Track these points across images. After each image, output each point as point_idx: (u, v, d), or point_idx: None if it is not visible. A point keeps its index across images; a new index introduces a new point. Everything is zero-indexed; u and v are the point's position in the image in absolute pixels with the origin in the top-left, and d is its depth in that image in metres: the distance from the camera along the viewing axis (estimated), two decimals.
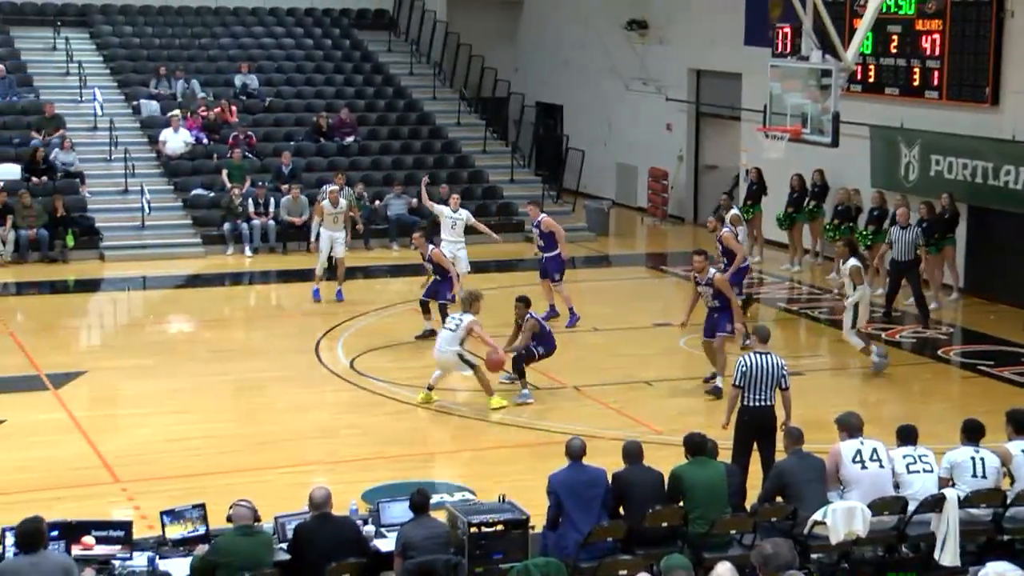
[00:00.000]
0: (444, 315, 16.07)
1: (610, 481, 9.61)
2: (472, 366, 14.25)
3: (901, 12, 20.50)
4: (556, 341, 15.07)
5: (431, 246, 17.01)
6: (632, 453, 9.78)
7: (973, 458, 10.02)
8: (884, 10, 19.15)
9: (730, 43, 24.49)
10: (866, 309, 15.99)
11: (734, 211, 19.42)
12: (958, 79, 19.81)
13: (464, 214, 18.76)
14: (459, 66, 29.45)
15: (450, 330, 14.25)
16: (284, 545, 9.06)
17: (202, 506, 9.34)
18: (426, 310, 17.06)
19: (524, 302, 15.00)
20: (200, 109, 25.68)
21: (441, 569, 8.79)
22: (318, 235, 19.66)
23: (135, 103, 26.29)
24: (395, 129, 27.17)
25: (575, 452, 9.61)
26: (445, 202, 19.34)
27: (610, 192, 28.34)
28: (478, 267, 20.58)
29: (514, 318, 15.07)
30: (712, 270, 15.10)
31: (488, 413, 14.24)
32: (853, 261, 15.81)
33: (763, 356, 11.42)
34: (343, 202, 19.75)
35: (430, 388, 14.41)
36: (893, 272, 18.56)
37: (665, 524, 9.47)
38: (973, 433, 10.19)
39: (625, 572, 8.87)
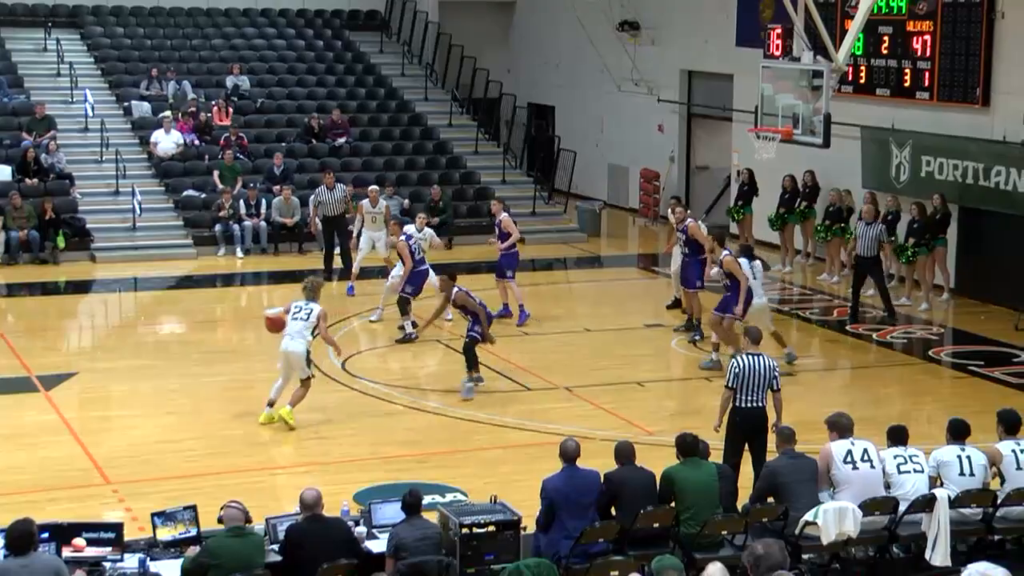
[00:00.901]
0: (404, 310, 17.00)
1: (603, 481, 9.62)
2: (309, 376, 13.63)
3: (892, 13, 20.54)
4: (489, 311, 15.25)
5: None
6: (624, 453, 9.79)
7: (959, 456, 10.06)
8: (875, 11, 19.18)
9: (722, 44, 24.52)
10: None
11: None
12: (949, 80, 19.86)
13: (428, 233, 18.64)
14: (451, 67, 29.45)
15: (302, 319, 13.54)
16: (275, 546, 9.06)
17: (193, 507, 9.33)
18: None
19: (450, 276, 15.24)
20: (191, 110, 25.66)
21: (433, 570, 8.79)
22: (359, 235, 19.80)
23: (126, 104, 26.26)
24: (387, 130, 27.17)
25: (570, 455, 9.59)
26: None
27: (602, 193, 28.36)
28: (471, 268, 20.61)
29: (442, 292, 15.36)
30: (690, 219, 16.58)
31: (479, 415, 14.26)
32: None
33: (755, 357, 11.44)
34: (382, 202, 19.89)
35: (271, 404, 13.68)
36: (857, 268, 18.68)
37: (657, 525, 9.47)
38: (958, 433, 10.23)
39: (616, 573, 8.87)
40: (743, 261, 15.69)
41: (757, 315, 15.54)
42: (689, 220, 17.68)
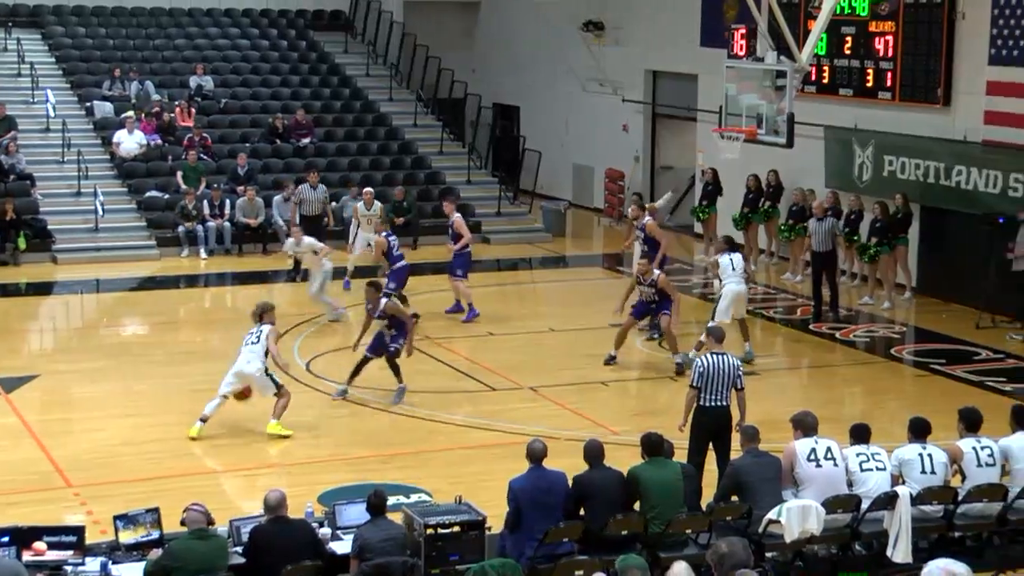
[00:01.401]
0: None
1: (571, 483, 9.60)
2: (279, 387, 13.47)
3: (855, 14, 20.66)
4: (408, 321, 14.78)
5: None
6: (593, 453, 9.74)
7: (921, 455, 10.13)
8: (838, 12, 19.29)
9: (686, 44, 24.59)
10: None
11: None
12: (911, 80, 20.00)
13: (377, 206, 18.91)
14: (416, 67, 29.41)
15: (252, 343, 13.46)
16: (239, 549, 9.02)
17: (156, 510, 9.27)
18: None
19: (374, 287, 15.04)
20: (155, 111, 25.51)
21: (397, 571, 8.78)
22: (356, 235, 19.84)
23: (88, 104, 26.08)
24: (352, 130, 27.10)
25: (536, 456, 9.58)
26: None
27: (567, 193, 28.38)
28: (436, 268, 20.58)
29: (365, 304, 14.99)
30: (657, 272, 15.97)
31: (444, 415, 14.24)
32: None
33: (719, 357, 11.50)
34: (377, 204, 19.84)
35: (204, 420, 13.37)
36: (814, 264, 18.83)
37: (625, 532, 9.45)
38: (920, 431, 10.31)
39: (581, 572, 8.88)
40: (724, 256, 16.32)
41: (738, 303, 16.07)
42: (647, 218, 17.78)
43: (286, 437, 13.40)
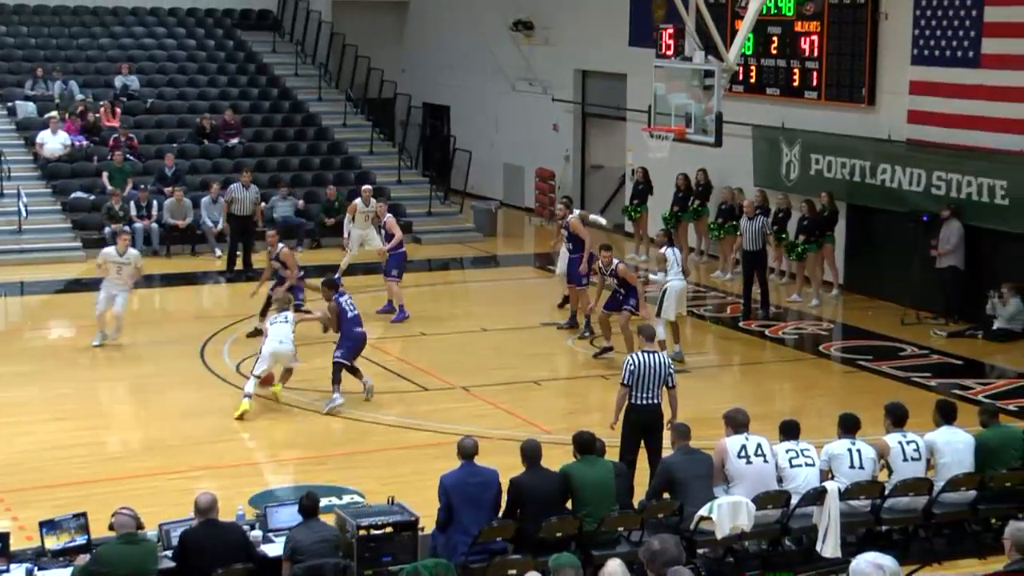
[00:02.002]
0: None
1: (508, 486, 9.55)
2: (297, 362, 14.83)
3: (781, 14, 20.88)
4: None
5: (281, 245, 17.19)
6: (530, 454, 9.66)
7: (850, 450, 10.24)
8: (764, 12, 19.48)
9: (615, 44, 24.71)
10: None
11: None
12: (836, 80, 20.25)
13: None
14: (345, 67, 29.28)
15: (282, 323, 14.56)
16: (169, 553, 8.92)
17: (83, 515, 9.13)
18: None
19: (330, 285, 15.01)
20: (79, 110, 25.16)
21: (330, 573, 8.73)
22: (350, 233, 19.71)
23: (10, 104, 25.68)
24: (281, 131, 26.92)
25: (467, 452, 9.56)
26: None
27: (497, 192, 28.40)
28: (369, 269, 20.49)
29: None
30: (616, 261, 16.29)
31: (377, 416, 14.20)
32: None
33: (650, 355, 11.55)
34: (374, 201, 19.72)
35: (248, 397, 14.16)
36: (745, 263, 19.02)
37: (560, 534, 9.45)
38: (849, 427, 10.42)
39: (515, 572, 8.88)
40: (668, 249, 16.46)
41: (681, 299, 16.27)
42: (571, 215, 17.83)
43: (279, 400, 14.46)
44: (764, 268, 19.12)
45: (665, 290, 16.21)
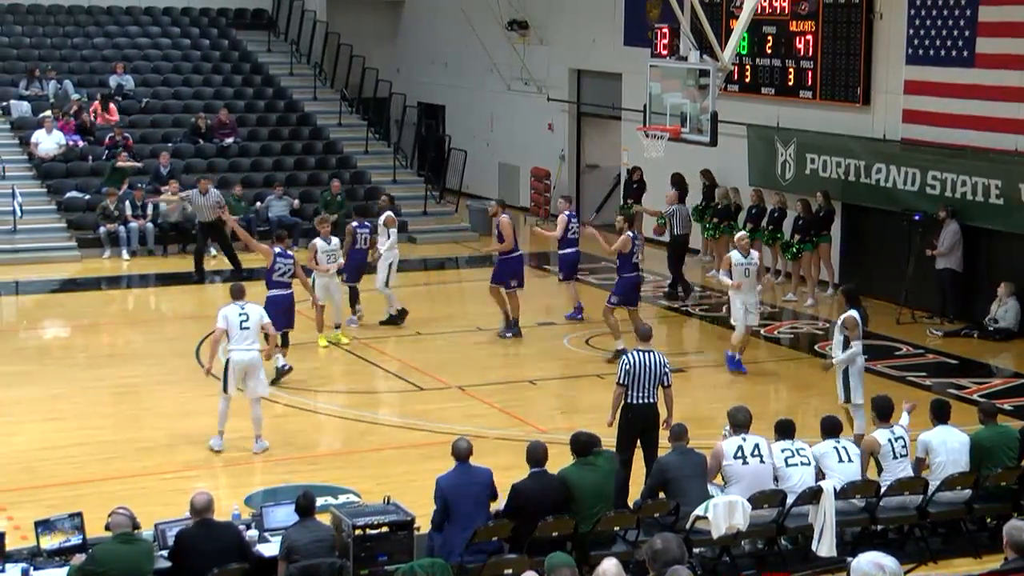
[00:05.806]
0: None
1: (510, 491, 9.50)
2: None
3: (776, 13, 20.89)
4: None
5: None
6: (534, 457, 9.65)
7: (836, 448, 10.31)
8: (759, 11, 19.48)
9: (610, 43, 24.71)
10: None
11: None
12: (831, 79, 20.26)
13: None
14: (340, 66, 29.24)
15: (328, 261, 16.62)
16: (165, 552, 8.92)
17: (79, 515, 9.13)
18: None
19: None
20: (74, 110, 25.12)
21: (325, 572, 8.74)
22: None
23: (5, 104, 25.64)
24: (275, 130, 26.90)
25: (462, 453, 9.57)
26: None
27: (493, 192, 28.35)
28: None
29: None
30: (503, 214, 17.42)
31: (373, 415, 14.20)
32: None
33: (646, 354, 11.54)
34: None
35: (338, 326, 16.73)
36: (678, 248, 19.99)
37: (556, 534, 9.44)
38: (831, 429, 10.53)
39: (511, 571, 8.89)
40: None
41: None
42: (503, 215, 17.68)
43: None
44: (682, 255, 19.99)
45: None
